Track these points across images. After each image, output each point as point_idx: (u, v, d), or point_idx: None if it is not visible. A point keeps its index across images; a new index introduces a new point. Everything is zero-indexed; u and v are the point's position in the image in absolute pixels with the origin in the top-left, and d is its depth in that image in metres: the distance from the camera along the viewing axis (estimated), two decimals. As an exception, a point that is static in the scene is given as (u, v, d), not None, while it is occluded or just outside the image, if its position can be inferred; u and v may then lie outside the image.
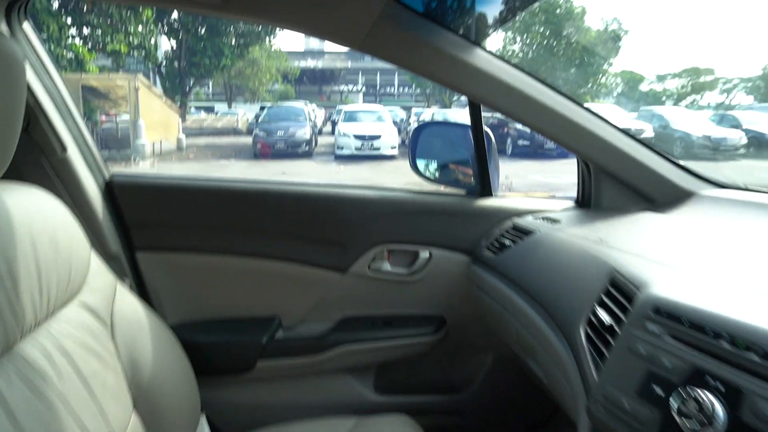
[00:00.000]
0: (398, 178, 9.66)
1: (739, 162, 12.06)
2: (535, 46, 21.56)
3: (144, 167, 11.53)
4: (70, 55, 13.40)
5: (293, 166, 11.69)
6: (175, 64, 20.15)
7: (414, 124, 14.95)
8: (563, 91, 1.30)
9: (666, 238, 1.05)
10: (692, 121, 13.99)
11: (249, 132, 17.26)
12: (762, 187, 1.31)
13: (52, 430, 0.70)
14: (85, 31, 14.79)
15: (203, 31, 19.36)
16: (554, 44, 21.16)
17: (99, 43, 14.79)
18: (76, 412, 0.75)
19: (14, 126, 0.75)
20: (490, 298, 1.35)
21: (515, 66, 1.26)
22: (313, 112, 17.49)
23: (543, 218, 1.38)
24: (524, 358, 1.25)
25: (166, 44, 20.69)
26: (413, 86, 32.98)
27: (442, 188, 1.65)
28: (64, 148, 1.24)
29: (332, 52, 38.89)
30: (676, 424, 0.63)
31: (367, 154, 12.67)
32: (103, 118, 15.00)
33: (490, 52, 1.26)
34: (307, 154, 13.59)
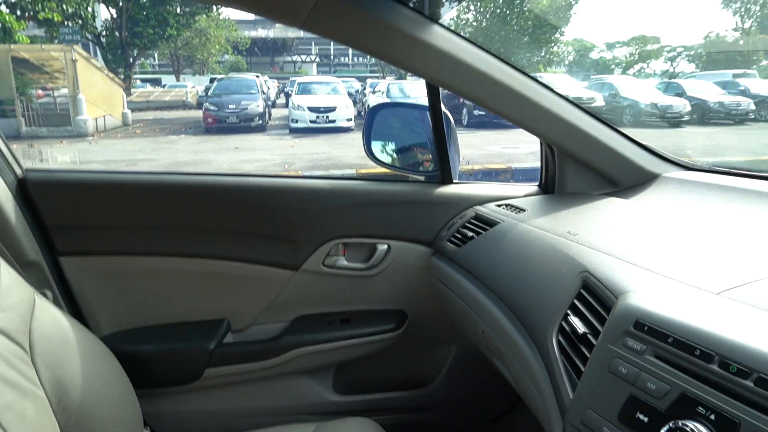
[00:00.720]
0: (354, 151, 9.51)
1: (684, 128, 12.49)
2: (488, 15, 21.48)
3: (82, 146, 10.91)
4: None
5: (246, 141, 11.34)
6: (116, 34, 19.04)
7: (369, 95, 14.77)
8: (525, 71, 1.22)
9: (637, 231, 0.99)
10: (640, 90, 14.38)
11: (199, 106, 16.62)
12: (723, 167, 1.29)
13: None
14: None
15: (145, -4, 18.32)
16: (507, 12, 21.13)
17: (29, 12, 13.73)
18: None
19: None
20: (453, 294, 1.27)
21: (475, 44, 1.16)
22: (265, 84, 16.96)
23: (507, 206, 1.31)
24: (490, 358, 1.19)
25: (105, 13, 19.50)
26: (368, 56, 32.53)
27: (398, 175, 1.55)
28: None
29: (284, 21, 37.67)
30: None
31: (322, 127, 12.43)
32: (40, 92, 14.07)
33: (447, 29, 1.15)
34: (261, 128, 13.21)
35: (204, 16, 21.41)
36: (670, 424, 0.57)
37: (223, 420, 1.43)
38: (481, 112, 13.32)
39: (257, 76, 15.91)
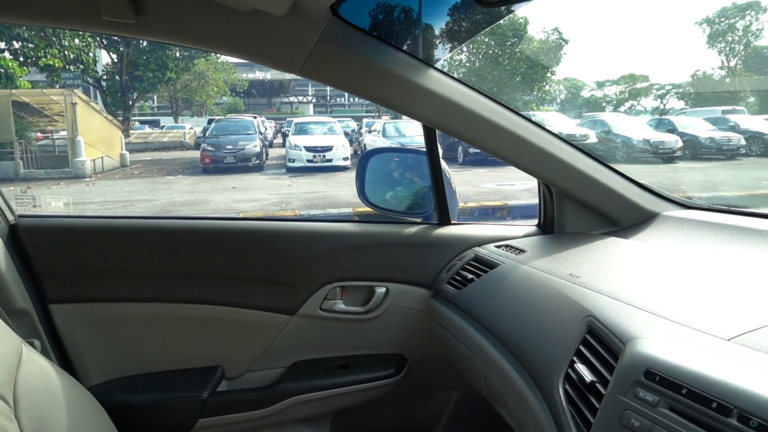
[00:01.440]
0: (352, 189, 9.53)
1: (677, 164, 12.62)
2: (481, 56, 21.99)
3: (79, 187, 10.93)
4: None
5: (243, 180, 11.38)
6: (117, 77, 19.37)
7: (365, 135, 14.95)
8: (520, 112, 1.23)
9: (640, 273, 0.97)
10: (632, 126, 14.60)
11: (197, 147, 16.75)
12: (720, 204, 1.29)
13: None
14: (16, 44, 13.98)
15: (145, 43, 18.69)
16: (499, 53, 21.64)
17: (31, 58, 14.00)
18: None
19: None
20: (454, 338, 1.24)
21: (469, 86, 1.17)
22: (263, 124, 17.17)
23: (506, 247, 1.29)
24: (493, 405, 1.15)
25: (106, 57, 19.88)
26: (364, 97, 33.01)
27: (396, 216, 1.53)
28: None
29: (281, 64, 38.42)
30: None
31: (319, 166, 12.51)
32: (39, 135, 14.20)
33: (441, 71, 1.16)
34: (258, 168, 13.29)
35: (203, 59, 21.85)
36: None
37: None
38: (476, 150, 13.43)
39: (255, 117, 16.12)
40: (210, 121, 17.91)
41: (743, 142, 13.15)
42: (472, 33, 1.48)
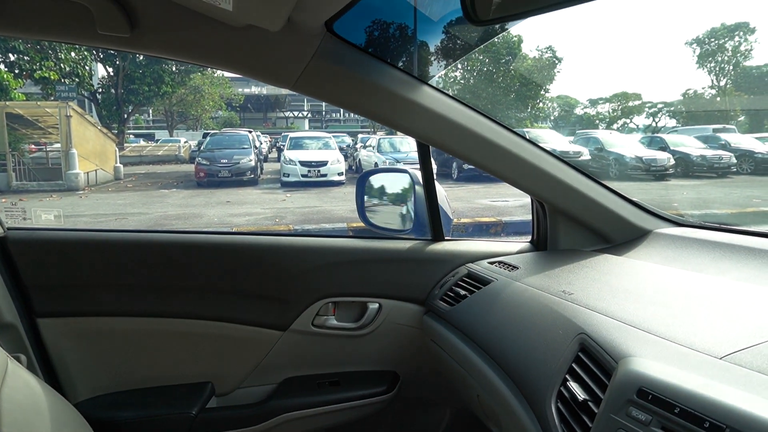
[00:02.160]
0: (346, 205, 9.54)
1: (669, 182, 12.73)
2: (476, 73, 22.21)
3: (72, 200, 10.87)
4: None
5: (238, 195, 11.36)
6: (112, 91, 19.39)
7: (360, 150, 14.99)
8: (514, 129, 1.23)
9: (633, 291, 0.97)
10: (625, 144, 14.74)
11: (192, 160, 16.74)
12: (712, 221, 1.30)
13: None
14: (11, 57, 13.99)
15: (141, 57, 18.77)
16: (494, 71, 21.87)
17: (27, 71, 14.00)
18: None
19: None
20: (446, 354, 1.23)
21: (463, 103, 1.18)
22: (258, 139, 17.19)
23: (500, 264, 1.29)
24: (486, 423, 1.14)
25: (101, 70, 19.92)
26: (359, 113, 33.20)
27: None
28: None
29: (277, 79, 38.64)
30: None
31: (313, 181, 12.52)
32: (32, 147, 14.14)
33: (436, 89, 1.17)
34: (253, 182, 13.28)
35: (199, 74, 21.92)
36: None
37: None
38: (470, 166, 13.47)
39: (250, 132, 16.15)
40: (205, 135, 17.93)
41: (734, 160, 13.31)
42: (466, 50, 1.50)
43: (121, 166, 15.37)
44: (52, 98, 14.91)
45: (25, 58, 13.98)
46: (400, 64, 1.23)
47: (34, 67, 14.00)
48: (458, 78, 22.30)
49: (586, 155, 13.64)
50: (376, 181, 1.55)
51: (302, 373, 1.41)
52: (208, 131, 20.40)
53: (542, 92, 24.10)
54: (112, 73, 19.46)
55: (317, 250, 1.36)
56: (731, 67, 27.88)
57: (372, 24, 1.25)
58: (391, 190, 1.56)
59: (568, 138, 16.66)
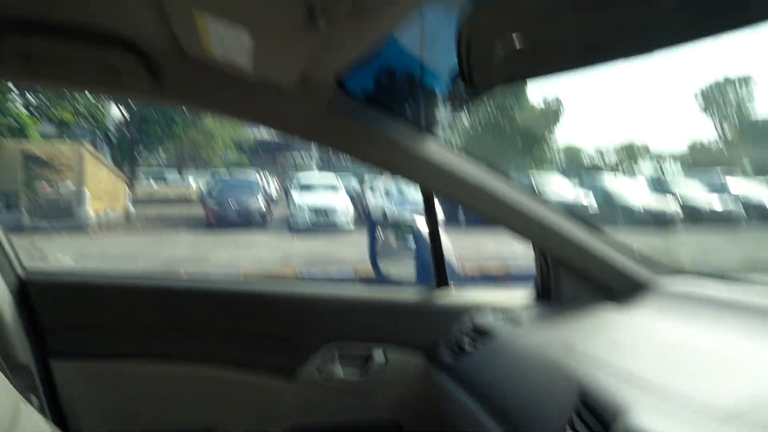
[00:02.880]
0: (353, 251, 9.55)
1: (675, 230, 12.68)
2: (482, 123, 22.58)
3: (83, 240, 10.97)
4: (11, 121, 12.95)
5: (246, 237, 11.41)
6: (126, 132, 19.81)
7: (369, 195, 15.06)
8: (517, 180, 1.27)
9: (635, 346, 0.99)
10: (631, 192, 14.76)
11: (201, 202, 16.90)
12: (718, 271, 1.31)
13: None
14: (30, 98, 14.41)
15: (157, 101, 19.23)
16: (501, 120, 22.24)
17: (44, 113, 14.40)
18: None
19: None
20: (451, 407, 1.23)
21: (468, 156, 1.22)
22: (266, 181, 17.38)
23: (504, 316, 1.31)
24: None
25: (116, 111, 20.40)
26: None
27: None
28: None
29: (287, 123, 39.29)
30: None
31: (321, 226, 12.55)
32: (45, 186, 14.37)
33: (441, 142, 1.21)
34: (261, 225, 13.34)
35: (210, 116, 22.40)
36: None
37: None
38: (476, 212, 13.44)
39: (259, 174, 16.33)
40: (215, 177, 18.17)
41: (741, 208, 13.28)
42: (472, 102, 1.55)
43: (132, 206, 15.54)
44: (66, 138, 15.27)
45: (42, 98, 14.39)
46: (407, 114, 1.28)
47: (51, 108, 14.40)
48: (466, 126, 22.68)
49: (592, 203, 13.66)
50: (384, 230, 1.59)
51: (307, 421, 1.41)
52: (218, 173, 20.69)
53: (549, 141, 24.42)
54: (127, 117, 19.94)
55: (323, 297, 1.38)
56: (736, 119, 28.27)
57: (379, 79, 1.31)
58: (399, 239, 1.59)
59: (575, 185, 16.73)
